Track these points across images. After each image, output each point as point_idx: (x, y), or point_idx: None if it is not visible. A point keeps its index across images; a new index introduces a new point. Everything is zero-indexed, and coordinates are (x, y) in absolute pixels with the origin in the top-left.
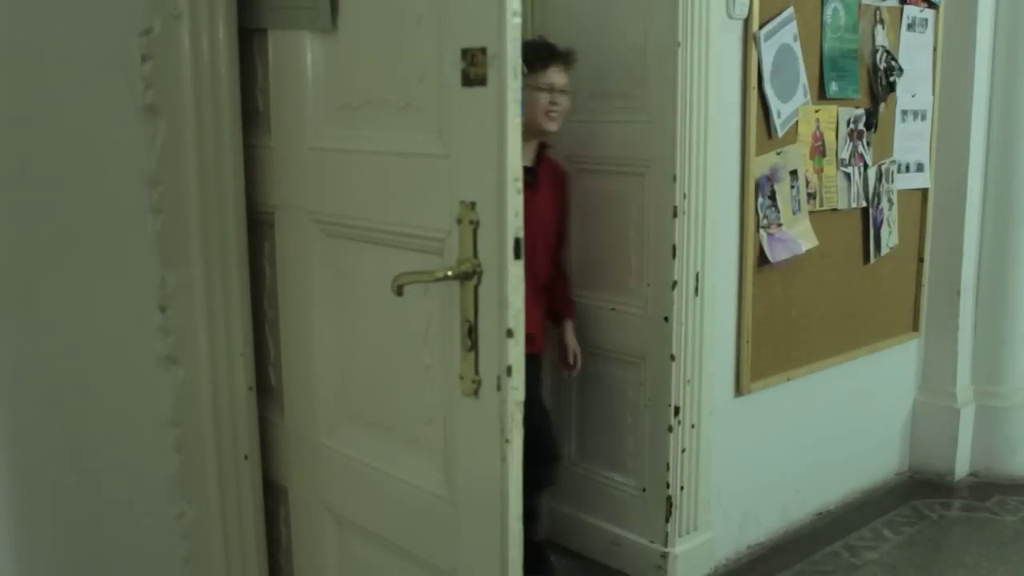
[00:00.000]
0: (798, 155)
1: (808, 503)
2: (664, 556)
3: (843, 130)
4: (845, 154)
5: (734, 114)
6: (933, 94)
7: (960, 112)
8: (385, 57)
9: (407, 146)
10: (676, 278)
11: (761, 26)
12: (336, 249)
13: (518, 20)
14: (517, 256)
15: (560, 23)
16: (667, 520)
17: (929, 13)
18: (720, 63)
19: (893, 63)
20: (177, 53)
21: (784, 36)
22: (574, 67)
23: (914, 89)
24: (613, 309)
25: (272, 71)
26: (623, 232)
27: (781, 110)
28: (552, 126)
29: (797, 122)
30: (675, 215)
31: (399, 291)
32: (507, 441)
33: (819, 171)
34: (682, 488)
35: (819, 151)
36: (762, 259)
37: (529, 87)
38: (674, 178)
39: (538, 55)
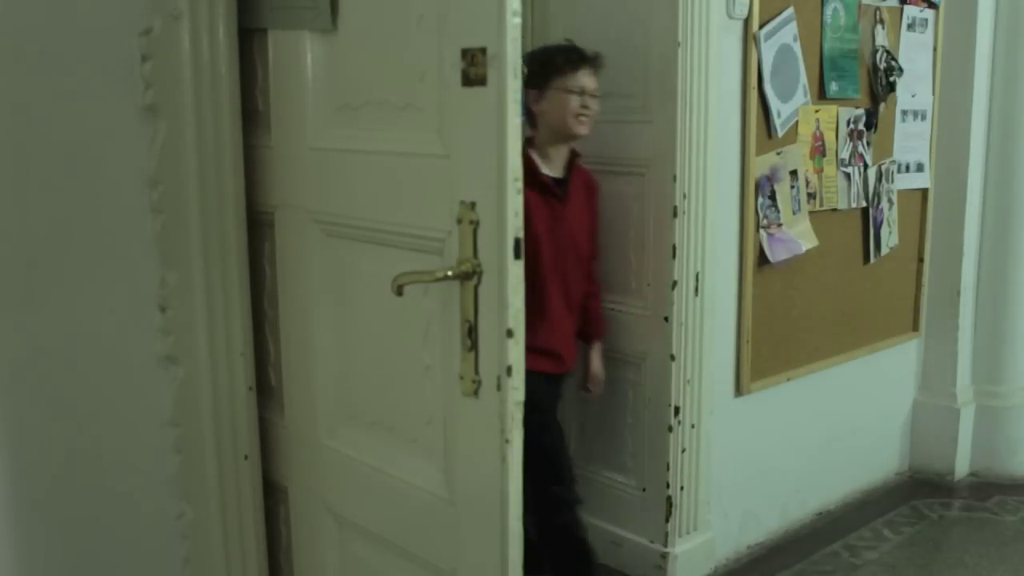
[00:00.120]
0: (798, 155)
1: (808, 503)
2: (664, 556)
3: (843, 130)
4: (845, 154)
5: (734, 114)
6: (933, 94)
7: (960, 112)
8: (385, 57)
9: (407, 146)
10: (676, 278)
11: (761, 26)
12: (336, 249)
13: (518, 20)
14: (517, 256)
15: (560, 23)
16: (667, 520)
17: (929, 13)
18: (720, 63)
19: (893, 63)
20: (177, 53)
21: (784, 36)
22: (601, 72)
23: (914, 89)
24: (613, 309)
25: (272, 71)
26: (623, 232)
27: (781, 110)
28: (582, 130)
29: (797, 122)
30: (675, 215)
31: (399, 291)
32: (507, 441)
33: (819, 171)
34: (682, 488)
35: (819, 151)
36: (762, 259)
37: (559, 89)
38: (674, 178)
39: (568, 58)
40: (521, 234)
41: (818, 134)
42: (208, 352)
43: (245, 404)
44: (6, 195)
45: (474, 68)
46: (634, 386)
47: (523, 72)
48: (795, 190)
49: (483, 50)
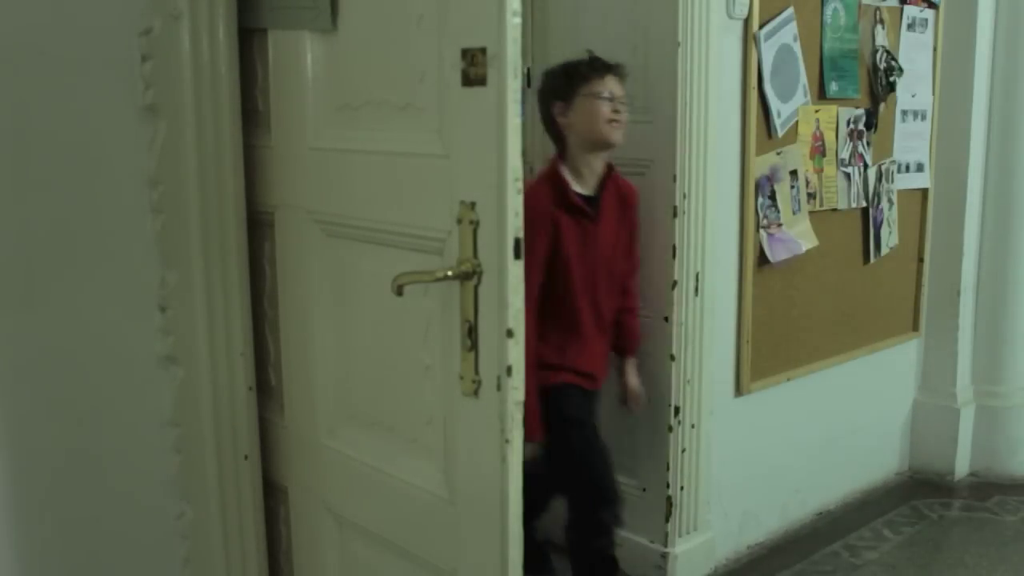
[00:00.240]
0: (798, 155)
1: (808, 503)
2: (664, 556)
3: (843, 130)
4: (845, 154)
5: (734, 114)
6: (933, 94)
7: (960, 112)
8: (385, 57)
9: (407, 146)
10: (676, 278)
11: (761, 26)
12: (336, 249)
13: (518, 20)
14: (517, 256)
15: (560, 23)
16: (667, 520)
17: (929, 13)
18: (720, 63)
19: (893, 63)
20: (177, 53)
21: (784, 36)
22: (625, 82)
23: (914, 89)
24: None
25: (272, 71)
26: None
27: (781, 110)
28: (616, 136)
29: (797, 122)
30: (675, 215)
31: (399, 291)
32: (507, 441)
33: (819, 171)
34: (682, 488)
35: (819, 151)
36: (762, 259)
37: (587, 96)
38: (674, 178)
39: (593, 66)
40: (521, 234)
41: (818, 134)
42: (208, 352)
43: (245, 404)
44: (6, 195)
45: (474, 68)
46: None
47: (547, 86)
48: (795, 190)
49: (483, 50)
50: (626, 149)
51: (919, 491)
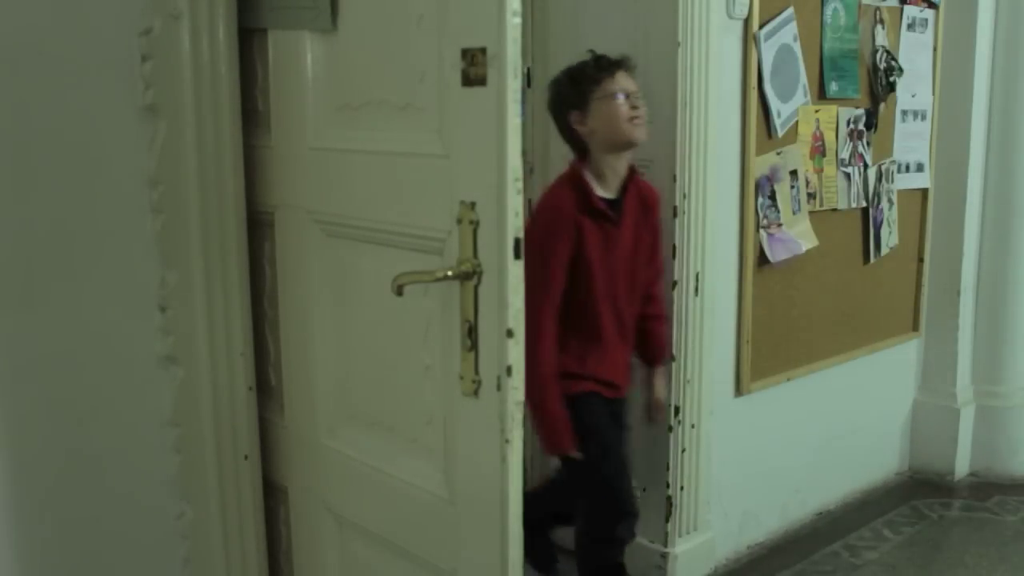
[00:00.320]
0: (798, 155)
1: (808, 503)
2: (664, 556)
3: (843, 130)
4: (845, 154)
5: (734, 114)
6: (933, 94)
7: (960, 112)
8: (385, 57)
9: (407, 146)
10: (676, 278)
11: (761, 26)
12: (336, 249)
13: (518, 20)
14: (517, 256)
15: (560, 23)
16: (667, 520)
17: (929, 13)
18: (720, 63)
19: (893, 63)
20: (177, 53)
21: (784, 36)
22: (635, 72)
23: (914, 89)
24: None
25: (272, 71)
26: None
27: (781, 110)
28: (639, 134)
29: (797, 122)
30: (675, 215)
31: (399, 291)
32: (507, 441)
33: (819, 171)
34: (682, 488)
35: (819, 151)
36: (762, 259)
37: (602, 99)
38: (674, 178)
39: (599, 66)
40: (521, 234)
41: (818, 134)
42: (208, 352)
43: (245, 404)
44: (6, 195)
45: (474, 68)
46: (634, 386)
47: (558, 97)
48: (795, 190)
49: (483, 50)
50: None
51: (919, 491)
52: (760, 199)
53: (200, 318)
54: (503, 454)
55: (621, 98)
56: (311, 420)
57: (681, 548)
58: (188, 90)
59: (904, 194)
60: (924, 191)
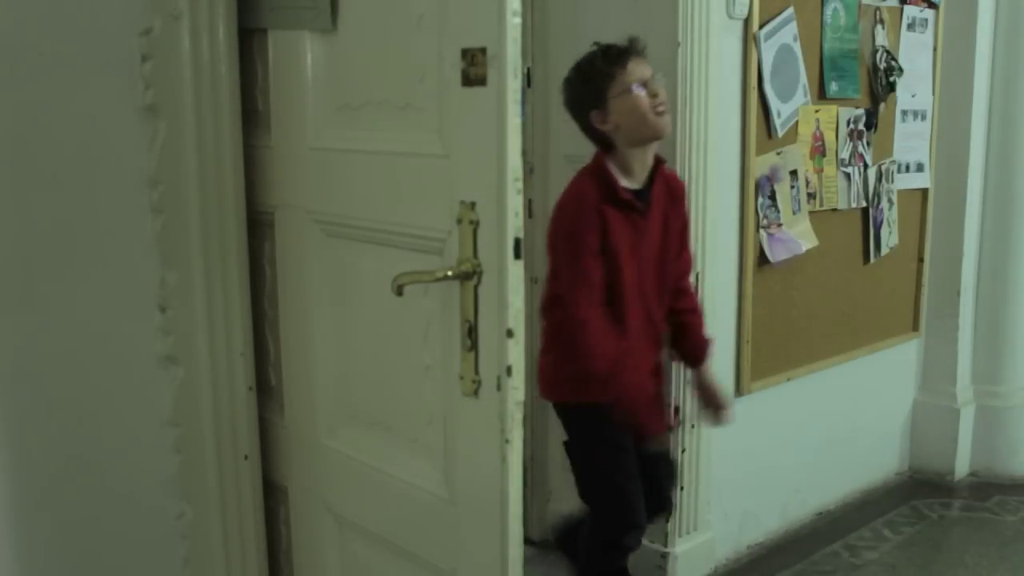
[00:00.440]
0: (798, 155)
1: (808, 503)
2: (664, 556)
3: (843, 130)
4: (845, 154)
5: (734, 114)
6: (933, 94)
7: (960, 112)
8: (385, 57)
9: (407, 146)
10: None
11: (761, 26)
12: (336, 249)
13: (518, 20)
14: (517, 256)
15: (560, 23)
16: (667, 520)
17: (929, 13)
18: (720, 63)
19: (893, 63)
20: (177, 53)
21: (784, 36)
22: (646, 53)
23: (914, 89)
24: None
25: (272, 71)
26: None
27: (781, 110)
28: (665, 123)
29: (797, 122)
30: None
31: (399, 291)
32: (507, 441)
33: (819, 171)
34: (682, 488)
35: (819, 151)
36: (762, 259)
37: (620, 95)
38: None
39: (608, 57)
40: (521, 234)
41: (818, 134)
42: (208, 352)
43: (245, 404)
44: (6, 195)
45: (474, 68)
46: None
47: (574, 98)
48: (795, 190)
49: (483, 50)
50: None
51: (919, 491)
52: (760, 199)
53: (200, 318)
54: (503, 454)
55: (639, 89)
56: (311, 420)
57: (681, 548)
58: (188, 90)
59: (904, 194)
60: (924, 191)
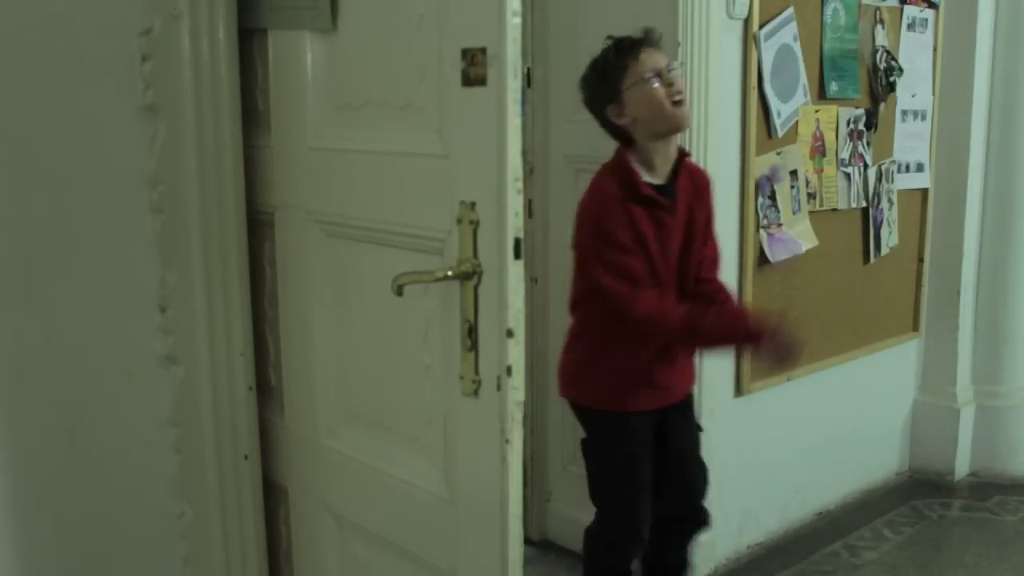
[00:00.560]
0: (798, 155)
1: (808, 503)
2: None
3: (843, 130)
4: (845, 154)
5: (734, 114)
6: (933, 94)
7: (960, 112)
8: (385, 57)
9: (407, 146)
10: None
11: (761, 26)
12: (336, 249)
13: (518, 20)
14: (517, 256)
15: (560, 23)
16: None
17: (929, 13)
18: (720, 63)
19: (893, 63)
20: (177, 53)
21: (784, 36)
22: (660, 43)
23: (914, 89)
24: None
25: (272, 71)
26: None
27: (781, 110)
28: (682, 113)
29: (797, 122)
30: None
31: (399, 291)
32: (507, 441)
33: (819, 171)
34: None
35: (819, 151)
36: (762, 259)
37: (636, 84)
38: None
39: (621, 49)
40: (521, 234)
41: (818, 134)
42: (208, 352)
43: (245, 404)
44: (6, 195)
45: (474, 68)
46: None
47: (590, 94)
48: (795, 190)
49: (483, 50)
50: None
51: (919, 491)
52: (760, 199)
53: (200, 318)
54: (503, 454)
55: (653, 79)
56: (311, 420)
57: None
58: (188, 90)
59: (904, 194)
60: (924, 191)
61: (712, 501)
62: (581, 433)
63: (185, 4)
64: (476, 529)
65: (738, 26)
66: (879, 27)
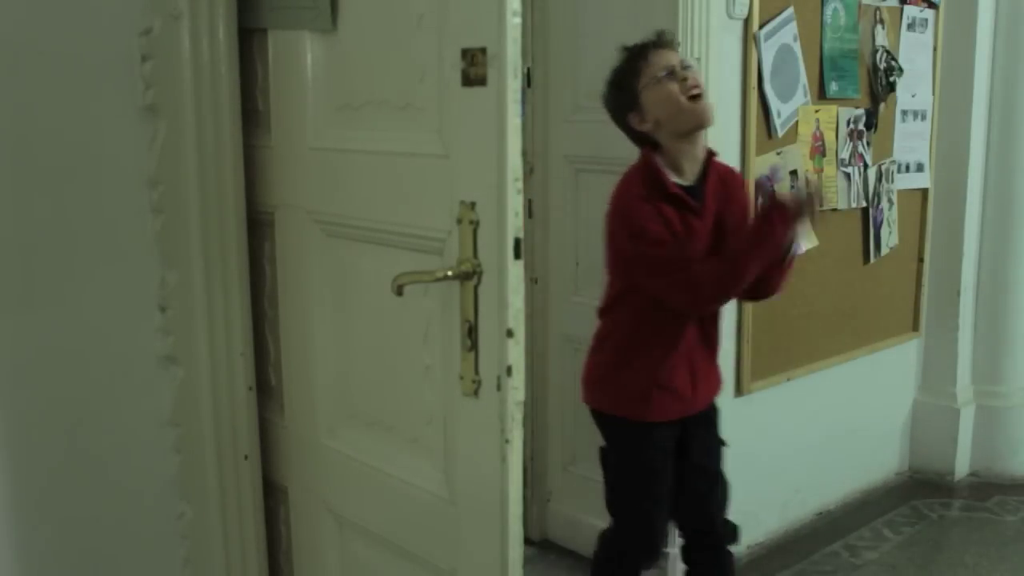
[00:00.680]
0: (798, 155)
1: (808, 503)
2: (664, 556)
3: (843, 130)
4: (845, 154)
5: (734, 114)
6: (933, 94)
7: (960, 112)
8: (385, 57)
9: (407, 146)
10: None
11: (761, 26)
12: (336, 249)
13: (518, 20)
14: (517, 256)
15: (560, 23)
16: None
17: (929, 13)
18: (720, 63)
19: (893, 63)
20: (177, 53)
21: (784, 36)
22: (675, 47)
23: (914, 89)
24: None
25: (272, 71)
26: None
27: (781, 110)
28: (704, 107)
29: (797, 122)
30: None
31: (399, 291)
32: (507, 441)
33: (819, 171)
34: None
35: (819, 151)
36: None
37: (650, 85)
38: None
39: (631, 55)
40: (521, 234)
41: (818, 134)
42: (208, 352)
43: (245, 404)
44: (6, 195)
45: (474, 68)
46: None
47: (611, 106)
48: (795, 190)
49: (483, 50)
50: (626, 149)
51: (919, 491)
52: (760, 199)
53: (200, 318)
54: (503, 454)
55: (666, 77)
56: (311, 420)
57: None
58: (188, 90)
59: (904, 194)
60: (924, 191)
61: None
62: (600, 441)
63: (185, 4)
64: (476, 529)
65: (738, 26)
66: (879, 27)
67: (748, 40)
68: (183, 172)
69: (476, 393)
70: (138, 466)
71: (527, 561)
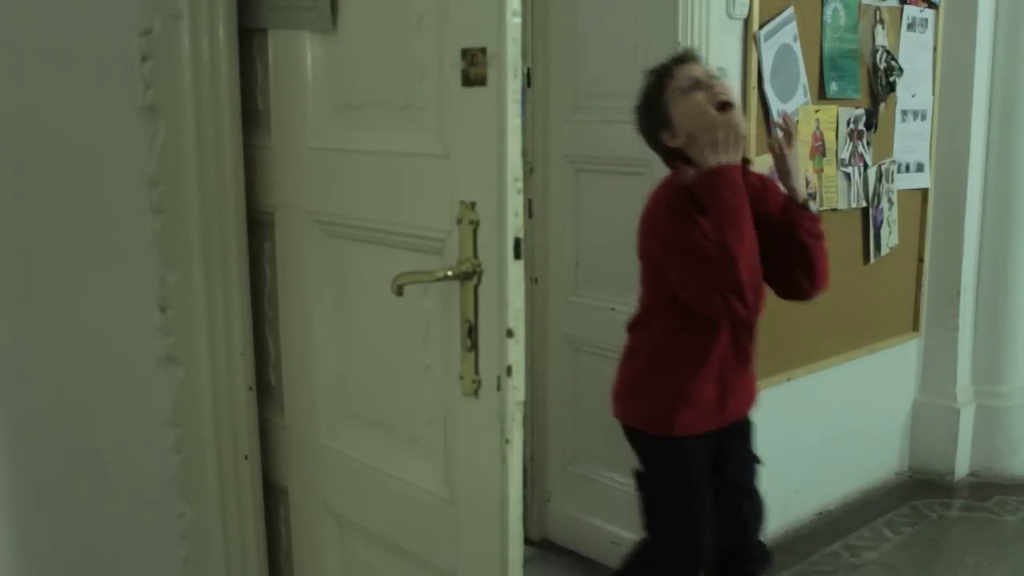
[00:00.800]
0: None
1: (808, 503)
2: None
3: (843, 130)
4: (845, 154)
5: None
6: (933, 94)
7: (960, 112)
8: (385, 57)
9: (407, 146)
10: None
11: (761, 26)
12: (336, 249)
13: (518, 20)
14: (517, 256)
15: (560, 23)
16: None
17: (929, 13)
18: (720, 63)
19: (893, 63)
20: (177, 53)
21: (784, 36)
22: (699, 61)
23: (914, 89)
24: (613, 309)
25: (272, 71)
26: (623, 232)
27: (781, 110)
28: (734, 117)
29: (797, 122)
30: None
31: (399, 291)
32: (507, 441)
33: (819, 171)
34: None
35: (819, 151)
36: None
37: (676, 100)
38: None
39: (656, 74)
40: (521, 234)
41: (818, 134)
42: (208, 352)
43: (245, 404)
44: (6, 195)
45: (474, 68)
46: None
47: (643, 125)
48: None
49: (483, 50)
50: (625, 149)
51: (919, 491)
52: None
53: (200, 318)
54: (503, 454)
55: (691, 88)
56: (311, 420)
57: None
58: (188, 90)
59: (904, 194)
60: (924, 191)
61: None
62: (635, 463)
63: (185, 4)
64: (476, 529)
65: (738, 26)
66: (879, 27)
67: (748, 40)
68: (183, 172)
69: (476, 393)
70: (138, 466)
71: (527, 561)
